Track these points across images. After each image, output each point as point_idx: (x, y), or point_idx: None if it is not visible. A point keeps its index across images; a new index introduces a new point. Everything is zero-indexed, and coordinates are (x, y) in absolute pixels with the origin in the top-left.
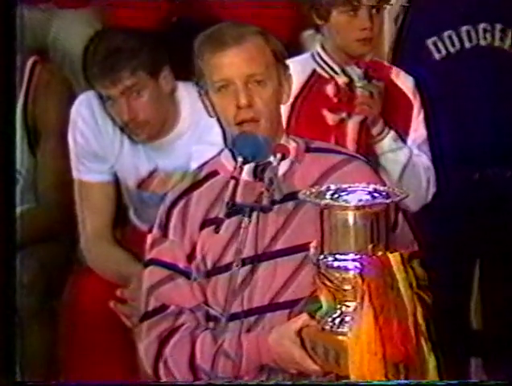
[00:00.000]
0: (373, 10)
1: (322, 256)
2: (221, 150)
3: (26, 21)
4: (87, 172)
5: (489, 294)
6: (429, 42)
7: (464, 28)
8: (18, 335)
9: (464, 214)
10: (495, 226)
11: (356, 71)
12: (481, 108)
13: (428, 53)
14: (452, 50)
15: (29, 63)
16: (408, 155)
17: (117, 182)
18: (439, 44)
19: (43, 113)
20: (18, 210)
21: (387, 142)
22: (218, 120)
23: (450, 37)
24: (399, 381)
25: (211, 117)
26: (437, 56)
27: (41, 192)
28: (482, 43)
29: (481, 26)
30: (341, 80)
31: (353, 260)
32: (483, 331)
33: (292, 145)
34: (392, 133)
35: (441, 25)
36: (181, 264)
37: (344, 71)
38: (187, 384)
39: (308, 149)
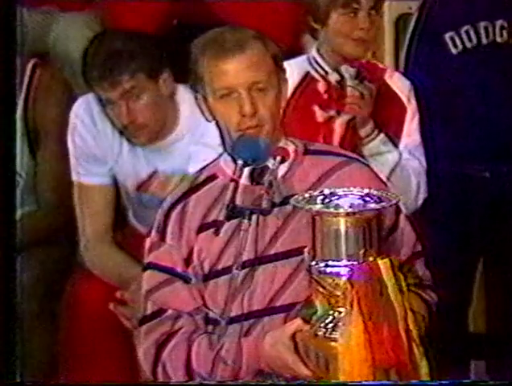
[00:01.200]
0: (373, 11)
1: (314, 262)
2: (221, 154)
3: (26, 23)
4: (86, 175)
5: (491, 295)
6: (446, 36)
7: (482, 24)
8: (19, 337)
9: (464, 215)
10: (497, 226)
11: (349, 71)
12: (494, 104)
13: (445, 47)
14: (468, 45)
15: (29, 65)
16: (397, 159)
17: (116, 184)
18: (457, 39)
19: (43, 116)
20: (18, 212)
21: (376, 145)
22: (217, 124)
23: (467, 32)
24: (397, 382)
25: (208, 121)
26: (454, 51)
27: (41, 195)
28: (498, 39)
29: (499, 22)
30: (333, 77)
31: (346, 266)
32: (485, 332)
33: (291, 148)
34: (382, 135)
35: (459, 20)
36: (179, 268)
37: (337, 70)
38: (184, 384)
39: (307, 152)
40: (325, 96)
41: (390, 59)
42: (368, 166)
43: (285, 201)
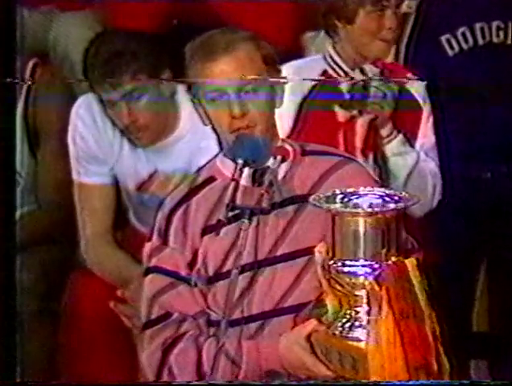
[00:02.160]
0: (398, 10)
1: (332, 262)
2: (216, 155)
3: (26, 23)
4: (87, 174)
5: (494, 295)
6: (443, 38)
7: (478, 25)
8: (19, 336)
9: (471, 217)
10: (502, 228)
11: (373, 70)
12: (492, 107)
13: (442, 49)
14: (465, 46)
15: (29, 65)
16: (416, 160)
17: (116, 184)
18: (453, 41)
19: (44, 115)
20: (18, 212)
21: (395, 145)
22: (213, 127)
23: (464, 34)
24: (405, 382)
25: (205, 125)
26: (450, 53)
27: (41, 194)
28: (495, 40)
29: (495, 23)
30: (357, 77)
31: (363, 265)
32: (488, 332)
33: (289, 149)
34: (400, 136)
35: (455, 21)
36: (182, 272)
37: (361, 69)
38: (186, 384)
39: (304, 153)
40: (347, 96)
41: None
42: (364, 165)
43: (285, 202)
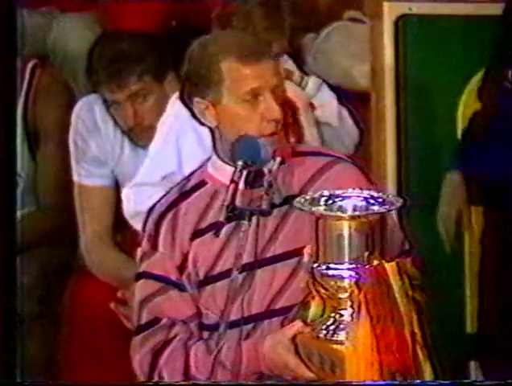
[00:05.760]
0: None
1: (316, 265)
2: (208, 159)
3: (26, 24)
4: (87, 176)
5: (485, 296)
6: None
7: None
8: (19, 337)
9: None
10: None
11: None
12: None
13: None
14: None
15: (29, 66)
16: None
17: (117, 186)
18: None
19: (43, 117)
20: (19, 213)
21: None
22: (210, 129)
23: None
24: (395, 381)
25: (204, 126)
26: None
27: (41, 196)
28: None
29: None
30: None
31: (349, 269)
32: (479, 333)
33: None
34: None
35: None
36: (172, 276)
37: None
38: (185, 384)
39: (295, 154)
40: None
41: (389, 60)
42: (355, 165)
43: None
